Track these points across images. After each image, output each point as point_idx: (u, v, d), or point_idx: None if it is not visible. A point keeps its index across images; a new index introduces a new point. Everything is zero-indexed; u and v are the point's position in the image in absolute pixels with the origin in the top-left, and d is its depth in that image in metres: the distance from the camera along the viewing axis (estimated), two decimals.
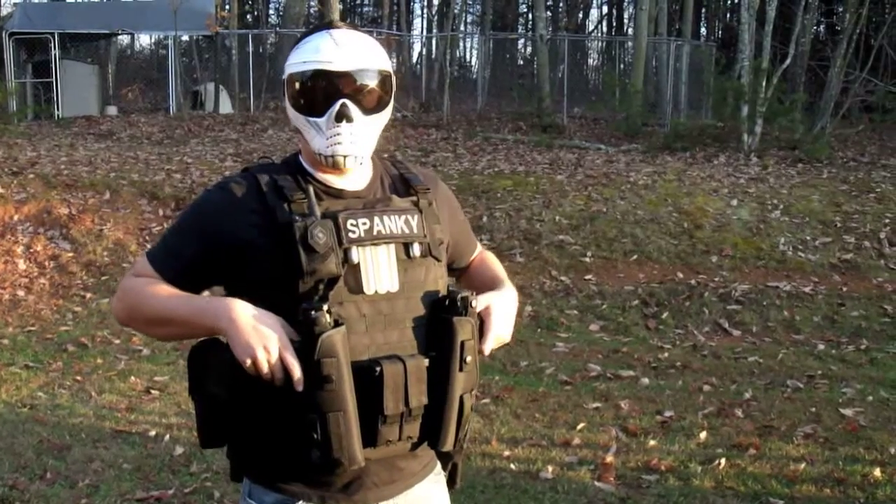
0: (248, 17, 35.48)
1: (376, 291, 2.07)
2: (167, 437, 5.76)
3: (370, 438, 2.02)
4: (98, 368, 7.28)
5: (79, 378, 7.02)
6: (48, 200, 10.83)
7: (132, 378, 7.00)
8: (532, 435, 5.86)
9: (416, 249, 2.13)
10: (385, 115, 2.15)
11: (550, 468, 5.28)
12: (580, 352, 7.88)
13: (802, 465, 5.29)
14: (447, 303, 2.10)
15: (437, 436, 2.11)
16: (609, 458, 5.38)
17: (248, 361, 1.93)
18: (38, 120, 19.31)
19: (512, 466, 5.33)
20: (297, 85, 2.09)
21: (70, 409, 6.34)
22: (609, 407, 6.45)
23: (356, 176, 2.17)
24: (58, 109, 20.21)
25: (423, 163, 12.96)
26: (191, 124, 17.98)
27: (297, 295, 1.99)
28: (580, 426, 6.01)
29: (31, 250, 10.00)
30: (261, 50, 25.57)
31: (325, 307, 1.94)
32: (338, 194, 2.13)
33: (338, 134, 2.06)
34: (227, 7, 24.53)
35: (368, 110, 2.09)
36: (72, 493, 4.95)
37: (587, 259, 9.82)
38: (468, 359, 2.09)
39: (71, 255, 9.95)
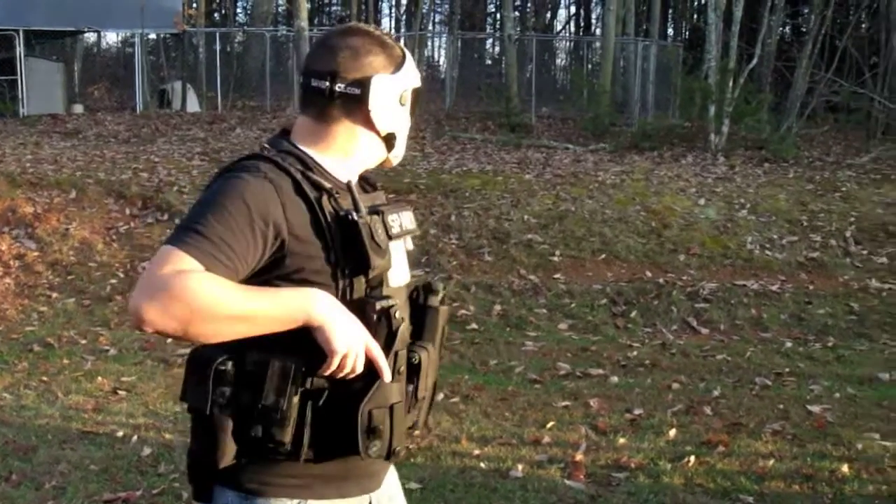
0: (216, 15, 35.30)
1: (399, 285, 2.17)
2: (135, 437, 5.70)
3: None
4: (64, 369, 7.20)
5: (45, 378, 6.95)
6: (13, 199, 10.71)
7: (99, 378, 6.94)
8: (502, 433, 5.85)
9: (409, 243, 2.27)
10: None
11: (520, 466, 5.27)
12: (549, 350, 7.89)
13: (771, 462, 5.32)
14: (426, 292, 2.25)
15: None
16: (579, 456, 5.39)
17: (346, 353, 1.92)
18: (3, 118, 19.06)
19: (482, 465, 5.32)
20: (415, 94, 2.20)
21: (36, 409, 6.27)
22: (579, 405, 6.46)
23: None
24: (23, 107, 19.99)
25: None
26: (158, 123, 17.85)
27: (348, 292, 2.01)
28: (550, 424, 6.01)
29: None
30: (228, 48, 25.41)
31: (397, 301, 2.04)
32: (347, 187, 2.13)
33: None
34: (195, 5, 24.40)
35: None
36: (38, 494, 4.89)
37: (556, 258, 9.83)
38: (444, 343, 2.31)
39: (36, 254, 9.85)
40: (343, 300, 1.98)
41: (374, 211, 2.07)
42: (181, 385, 2.07)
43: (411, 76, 2.17)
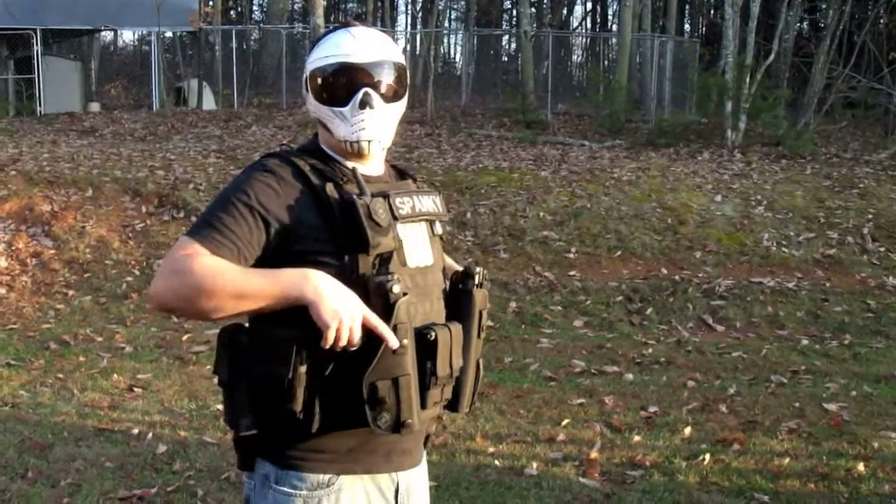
0: (232, 12, 35.37)
1: (417, 265, 2.25)
2: (150, 435, 5.72)
3: (422, 401, 2.16)
4: (80, 366, 7.23)
5: (61, 376, 6.98)
6: (30, 197, 10.76)
7: (115, 376, 6.96)
8: (517, 431, 5.85)
9: (438, 227, 2.38)
10: (401, 106, 2.32)
11: (535, 464, 5.27)
12: (564, 348, 7.87)
13: (786, 460, 5.30)
14: (463, 276, 2.35)
15: (456, 399, 2.33)
16: (594, 454, 5.38)
17: (335, 326, 2.01)
18: (20, 117, 19.17)
19: (497, 463, 5.32)
20: (321, 79, 2.25)
21: (52, 407, 6.30)
22: (593, 403, 6.45)
23: (375, 163, 2.32)
24: (40, 106, 20.07)
25: (407, 159, 12.95)
26: (174, 121, 17.89)
27: (351, 269, 2.11)
28: (565, 422, 6.00)
29: (13, 248, 9.94)
30: (244, 46, 25.46)
31: (396, 276, 2.10)
32: (353, 174, 2.24)
33: (362, 120, 2.21)
34: (211, 3, 24.45)
35: (388, 99, 2.25)
36: (53, 492, 4.92)
37: (571, 255, 9.82)
38: (485, 326, 2.39)
39: (53, 252, 9.89)
40: (347, 277, 2.09)
41: (381, 194, 2.19)
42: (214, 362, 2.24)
43: (310, 62, 2.28)
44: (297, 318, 2.04)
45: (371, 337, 2.05)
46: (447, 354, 2.19)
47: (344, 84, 2.21)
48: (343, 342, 2.02)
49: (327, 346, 2.03)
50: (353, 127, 2.21)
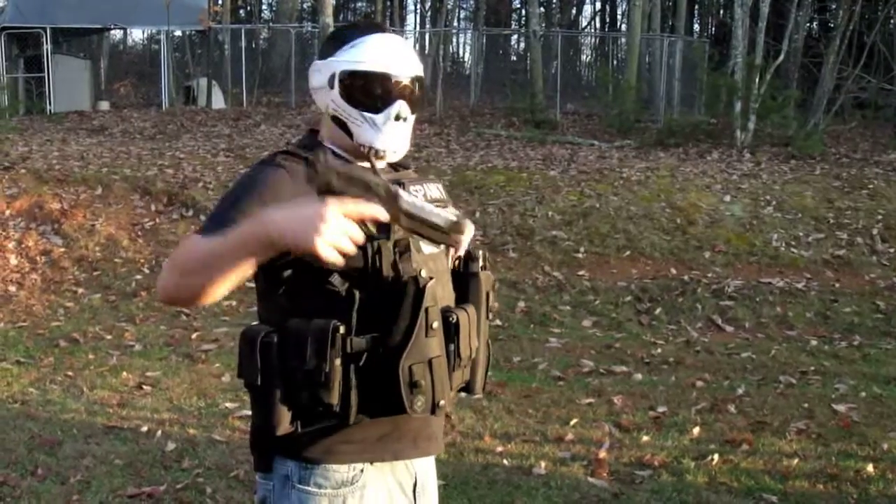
0: (241, 11, 35.38)
1: (430, 252, 2.25)
2: (159, 432, 5.73)
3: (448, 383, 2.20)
4: (90, 364, 7.25)
5: (70, 373, 7.00)
6: (40, 195, 10.79)
7: (124, 373, 6.98)
8: (525, 430, 5.84)
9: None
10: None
11: (543, 464, 5.27)
12: (573, 347, 7.87)
13: (795, 461, 5.29)
14: (467, 259, 2.37)
15: (471, 381, 2.36)
16: (602, 454, 5.37)
17: (325, 252, 1.85)
18: (30, 115, 19.20)
19: (505, 462, 5.32)
20: (357, 81, 2.23)
21: (61, 404, 6.32)
22: (602, 402, 6.44)
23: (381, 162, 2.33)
24: (50, 104, 20.10)
25: (415, 158, 12.94)
26: (183, 119, 17.92)
27: (373, 257, 2.09)
28: (573, 422, 6.00)
29: (23, 245, 9.97)
30: (253, 45, 25.43)
31: (422, 260, 2.14)
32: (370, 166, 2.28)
33: (393, 130, 2.24)
34: (220, 2, 24.47)
35: (414, 110, 2.29)
36: (63, 488, 4.93)
37: (580, 255, 9.81)
38: (492, 307, 2.41)
39: (63, 250, 9.92)
40: (374, 268, 2.08)
41: (396, 182, 2.20)
42: (236, 363, 2.20)
43: (345, 61, 2.24)
44: (328, 311, 2.06)
45: (411, 320, 2.07)
46: (467, 336, 2.22)
47: (383, 93, 2.23)
48: (340, 258, 1.88)
49: (333, 266, 1.92)
50: (383, 136, 2.23)
